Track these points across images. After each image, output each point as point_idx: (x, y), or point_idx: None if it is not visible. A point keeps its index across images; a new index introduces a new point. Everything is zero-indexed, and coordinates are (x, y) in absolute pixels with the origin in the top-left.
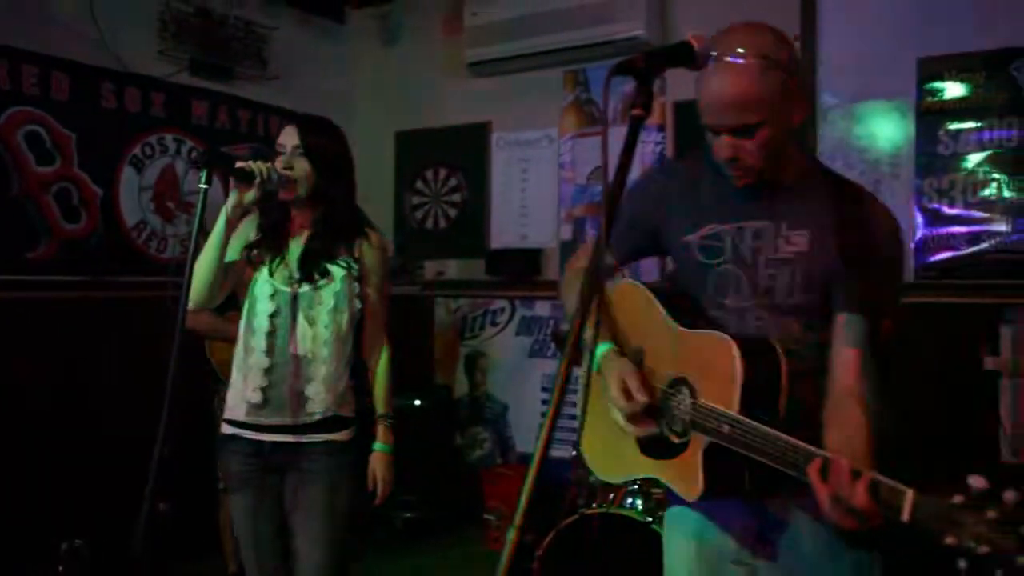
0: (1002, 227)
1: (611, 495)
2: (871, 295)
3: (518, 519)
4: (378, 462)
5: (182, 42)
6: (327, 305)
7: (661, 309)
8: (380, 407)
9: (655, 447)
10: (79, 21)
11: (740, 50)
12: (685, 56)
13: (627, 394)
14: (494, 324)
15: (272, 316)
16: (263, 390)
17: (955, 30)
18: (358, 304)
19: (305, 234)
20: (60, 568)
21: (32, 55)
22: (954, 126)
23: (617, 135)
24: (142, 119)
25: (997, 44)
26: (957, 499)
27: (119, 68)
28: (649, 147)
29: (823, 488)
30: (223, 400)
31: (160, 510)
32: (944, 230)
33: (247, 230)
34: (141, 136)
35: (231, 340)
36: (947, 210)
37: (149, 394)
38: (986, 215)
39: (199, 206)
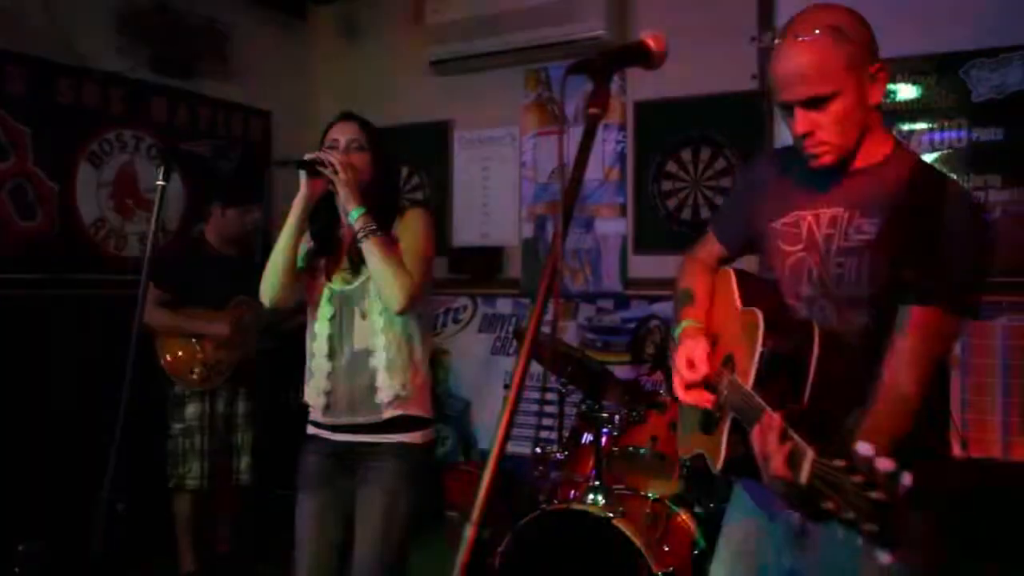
0: None
1: (572, 491)
2: (941, 288)
3: (475, 515)
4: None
5: (141, 38)
6: (375, 293)
7: (736, 291)
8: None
9: (708, 423)
10: (35, 15)
11: (810, 26)
12: (641, 56)
13: (690, 365)
14: (456, 322)
15: (331, 319)
16: (327, 394)
17: (907, 34)
18: None
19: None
20: (17, 569)
21: None
22: (907, 127)
23: (578, 134)
24: (100, 115)
25: (947, 48)
26: (838, 463)
27: (76, 63)
28: (610, 146)
29: (755, 447)
30: (175, 399)
31: (117, 510)
32: None
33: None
34: (99, 132)
35: (187, 335)
36: None
37: (106, 393)
38: None
39: (158, 203)
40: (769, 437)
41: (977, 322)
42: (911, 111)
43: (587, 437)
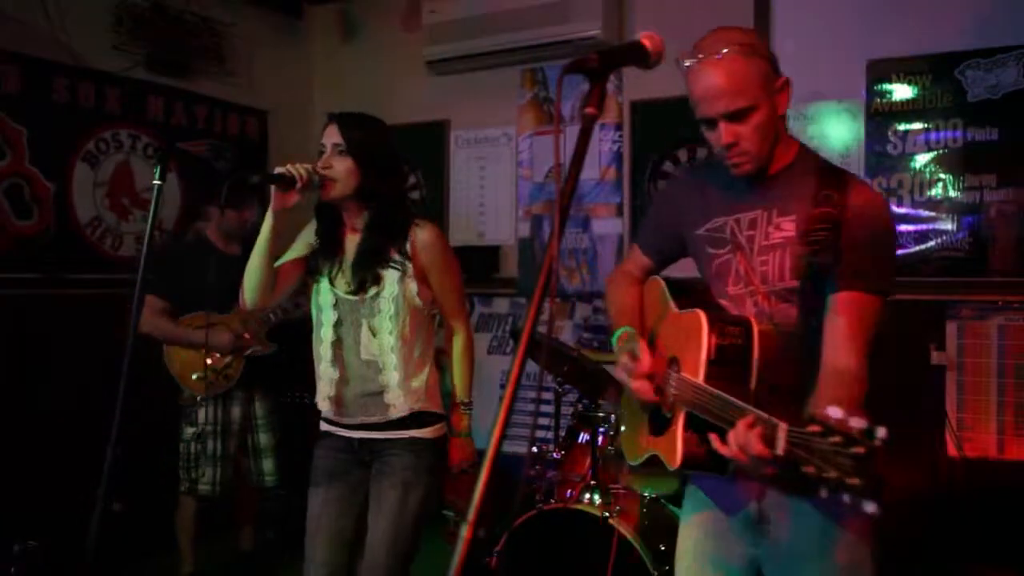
0: (948, 226)
1: (569, 491)
2: (856, 273)
3: (471, 515)
4: (454, 448)
5: (137, 37)
6: (387, 312)
7: (669, 297)
8: (458, 393)
9: (657, 426)
10: (30, 14)
11: (721, 45)
12: (637, 55)
13: (633, 358)
14: None
15: (336, 326)
16: (332, 399)
17: (903, 34)
18: (418, 302)
19: (357, 237)
20: (13, 569)
21: None
22: (902, 127)
23: (575, 133)
24: (96, 114)
25: (943, 48)
26: (813, 428)
27: (72, 62)
28: (607, 146)
29: (728, 440)
30: (187, 403)
31: (114, 510)
32: None
33: (308, 235)
34: (95, 131)
35: (188, 346)
36: (896, 209)
37: (103, 394)
38: (932, 214)
39: (153, 203)
40: (741, 424)
41: (972, 322)
42: (907, 111)
43: (583, 436)
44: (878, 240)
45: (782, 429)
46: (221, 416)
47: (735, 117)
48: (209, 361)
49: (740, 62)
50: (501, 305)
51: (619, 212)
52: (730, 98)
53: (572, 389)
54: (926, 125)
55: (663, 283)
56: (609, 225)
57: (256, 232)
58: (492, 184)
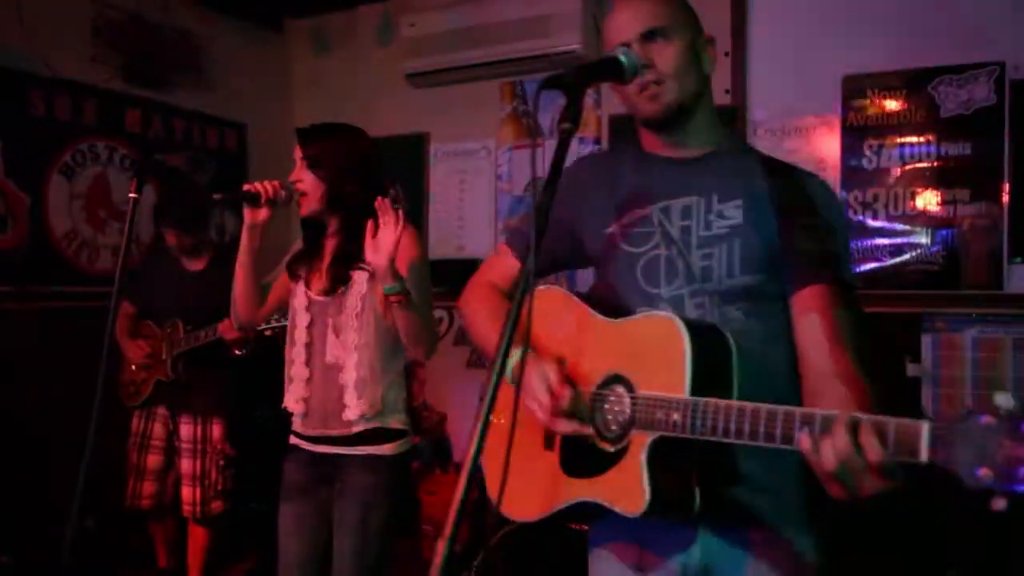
0: (922, 239)
1: None
2: (826, 262)
3: (447, 529)
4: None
5: (115, 49)
6: (353, 309)
7: (586, 307)
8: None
9: (584, 465)
10: (5, 25)
11: None
12: (614, 70)
13: (550, 390)
14: None
15: (309, 327)
16: (305, 400)
17: (878, 50)
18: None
19: (335, 242)
20: None
21: None
22: (877, 141)
23: (555, 147)
24: (73, 126)
25: (917, 64)
26: (986, 420)
27: (48, 75)
28: None
29: (820, 452)
30: (141, 419)
31: (87, 524)
32: (869, 242)
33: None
34: (72, 144)
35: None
36: (871, 222)
37: (77, 407)
38: (907, 227)
39: (130, 216)
40: (839, 436)
41: (947, 334)
42: (881, 126)
43: None
44: (844, 231)
45: (923, 431)
46: (144, 429)
47: (651, 36)
48: (133, 368)
49: None
50: None
51: None
52: (646, 18)
53: None
54: (900, 139)
55: (566, 292)
56: None
57: (222, 247)
58: (471, 197)
